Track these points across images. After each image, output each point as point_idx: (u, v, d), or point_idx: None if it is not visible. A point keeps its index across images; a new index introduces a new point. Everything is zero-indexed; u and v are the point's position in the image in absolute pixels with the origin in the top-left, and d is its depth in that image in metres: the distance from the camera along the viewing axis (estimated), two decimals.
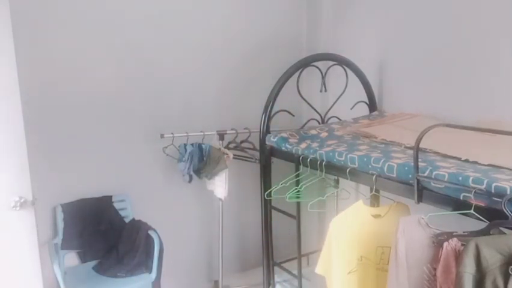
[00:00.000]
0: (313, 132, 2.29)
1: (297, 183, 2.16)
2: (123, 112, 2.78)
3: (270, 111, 2.35)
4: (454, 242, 1.35)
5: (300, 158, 2.12)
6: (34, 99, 2.41)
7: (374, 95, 2.62)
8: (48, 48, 2.50)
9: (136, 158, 2.87)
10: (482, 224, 1.35)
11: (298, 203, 2.23)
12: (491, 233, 1.31)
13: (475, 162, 1.55)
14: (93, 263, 2.71)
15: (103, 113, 2.72)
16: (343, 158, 1.86)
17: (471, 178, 1.37)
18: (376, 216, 1.76)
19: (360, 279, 1.74)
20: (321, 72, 2.50)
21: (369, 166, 1.73)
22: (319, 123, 2.59)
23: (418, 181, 1.53)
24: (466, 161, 1.57)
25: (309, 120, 2.60)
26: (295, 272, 2.37)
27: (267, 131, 2.36)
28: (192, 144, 2.70)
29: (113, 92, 2.73)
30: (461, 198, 1.41)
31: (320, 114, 2.59)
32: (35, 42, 2.44)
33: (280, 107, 2.41)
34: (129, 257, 2.63)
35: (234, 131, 2.76)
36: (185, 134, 2.71)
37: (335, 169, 1.93)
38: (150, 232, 2.61)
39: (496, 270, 1.20)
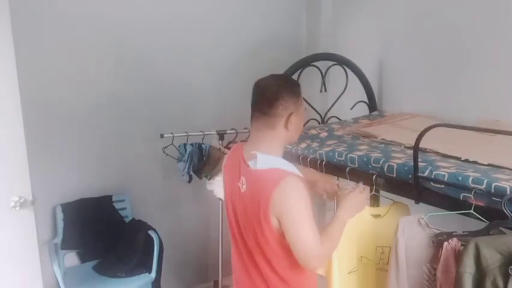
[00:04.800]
0: (313, 132, 2.28)
1: None
2: (123, 112, 2.78)
3: None
4: (453, 242, 1.35)
5: (300, 158, 2.12)
6: (34, 99, 2.40)
7: (374, 95, 2.62)
8: (48, 48, 2.50)
9: (136, 158, 2.87)
10: (482, 224, 1.35)
11: None
12: (491, 233, 1.31)
13: (475, 162, 1.55)
14: (93, 263, 2.71)
15: (102, 112, 2.72)
16: (343, 158, 1.86)
17: (471, 178, 1.37)
18: (376, 216, 1.76)
19: (360, 279, 1.74)
20: (321, 72, 2.50)
21: (369, 166, 1.73)
22: (319, 123, 2.59)
23: (418, 181, 1.53)
24: (466, 161, 1.57)
25: (309, 120, 2.60)
26: None
27: None
28: (192, 144, 2.70)
29: (113, 92, 2.73)
30: (461, 198, 1.41)
31: (319, 114, 2.59)
32: (35, 43, 2.44)
33: None
34: (129, 257, 2.63)
35: (233, 131, 2.76)
36: (185, 134, 2.70)
37: (334, 169, 1.93)
38: (150, 232, 2.61)
39: (496, 270, 1.20)
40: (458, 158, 1.61)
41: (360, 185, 1.67)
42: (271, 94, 1.49)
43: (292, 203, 1.41)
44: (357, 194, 1.58)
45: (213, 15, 2.95)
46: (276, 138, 1.52)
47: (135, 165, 2.87)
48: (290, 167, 1.52)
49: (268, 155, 1.50)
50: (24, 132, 1.91)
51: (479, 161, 1.54)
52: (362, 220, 1.70)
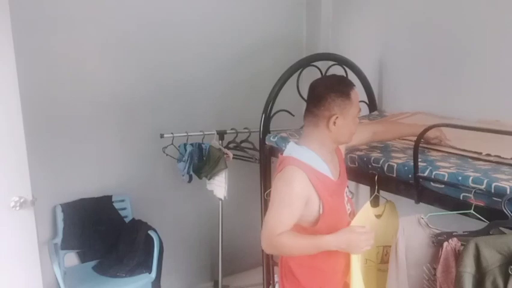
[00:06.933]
0: None
1: None
2: (123, 112, 2.78)
3: (270, 111, 2.35)
4: (453, 242, 1.35)
5: None
6: (34, 99, 2.40)
7: (374, 95, 2.62)
8: (48, 48, 2.50)
9: (136, 158, 2.86)
10: (482, 224, 1.35)
11: None
12: (491, 232, 1.32)
13: (479, 157, 1.56)
14: (93, 263, 2.71)
15: (102, 112, 2.71)
16: None
17: (471, 178, 1.37)
18: (378, 216, 1.76)
19: (366, 282, 1.70)
20: (321, 72, 2.50)
21: (369, 166, 1.73)
22: None
23: (418, 181, 1.53)
24: (475, 153, 1.60)
25: None
26: None
27: (266, 130, 2.36)
28: (192, 144, 2.70)
29: (113, 92, 2.73)
30: (461, 198, 1.41)
31: None
32: (35, 43, 2.44)
33: (280, 107, 2.41)
34: (129, 257, 2.63)
35: (233, 131, 2.76)
36: (185, 134, 2.70)
37: None
38: (150, 232, 2.61)
39: (496, 270, 1.20)
40: (463, 150, 1.61)
41: (367, 228, 1.52)
42: (317, 94, 1.56)
43: (278, 187, 1.52)
44: (360, 233, 1.47)
45: (213, 15, 2.95)
46: (318, 136, 1.56)
47: (135, 165, 2.87)
48: (307, 158, 1.53)
49: (298, 145, 1.57)
50: (24, 132, 1.91)
51: (484, 152, 1.57)
52: (368, 222, 1.69)
